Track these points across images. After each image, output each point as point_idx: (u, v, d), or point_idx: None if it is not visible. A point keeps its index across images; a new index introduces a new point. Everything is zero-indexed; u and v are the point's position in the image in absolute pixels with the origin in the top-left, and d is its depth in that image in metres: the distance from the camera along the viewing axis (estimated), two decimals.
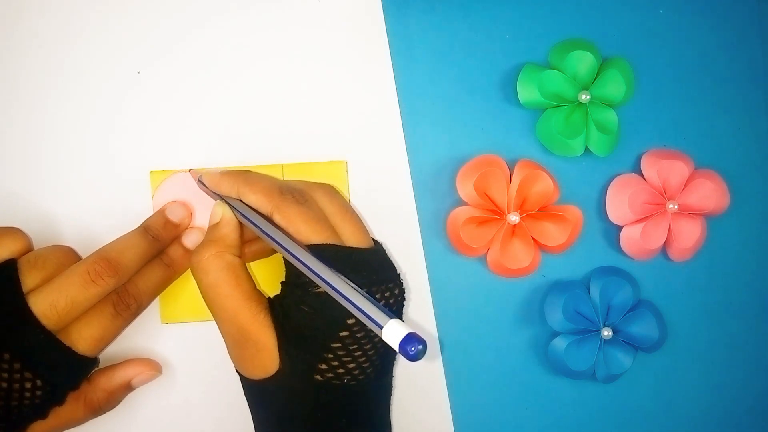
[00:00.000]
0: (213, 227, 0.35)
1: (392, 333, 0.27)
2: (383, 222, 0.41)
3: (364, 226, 0.35)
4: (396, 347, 0.26)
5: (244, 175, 0.36)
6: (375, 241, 0.36)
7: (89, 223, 0.39)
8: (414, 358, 0.26)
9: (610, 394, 0.43)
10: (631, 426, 0.43)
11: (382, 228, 0.41)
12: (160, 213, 0.38)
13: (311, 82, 0.41)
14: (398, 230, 0.41)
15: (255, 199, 0.34)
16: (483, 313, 0.42)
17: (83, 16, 0.40)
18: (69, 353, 0.33)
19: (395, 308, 0.34)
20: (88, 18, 0.40)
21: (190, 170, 0.39)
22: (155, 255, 0.37)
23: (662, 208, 0.41)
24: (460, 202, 0.41)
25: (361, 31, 0.41)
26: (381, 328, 0.27)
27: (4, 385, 0.32)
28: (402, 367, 0.40)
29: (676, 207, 0.41)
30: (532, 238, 0.40)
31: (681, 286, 0.43)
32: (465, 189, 0.40)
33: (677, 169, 0.41)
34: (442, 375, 0.41)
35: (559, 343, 0.41)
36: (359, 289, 0.30)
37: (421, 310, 0.41)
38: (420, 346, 0.26)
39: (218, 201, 0.36)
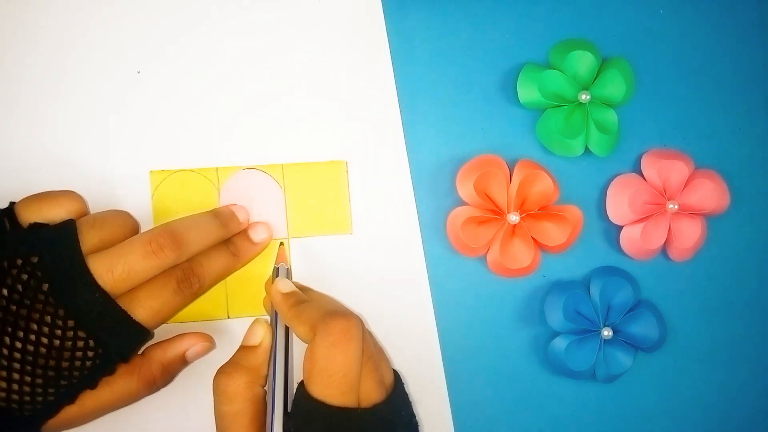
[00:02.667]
0: (251, 351, 0.34)
1: None
2: (383, 222, 0.41)
3: (378, 374, 0.34)
4: None
5: (294, 309, 0.34)
6: (396, 376, 0.35)
7: None
8: None
9: (610, 394, 0.43)
10: (631, 426, 0.43)
11: (382, 228, 0.41)
12: (228, 207, 0.38)
13: (311, 82, 0.41)
14: (398, 230, 0.41)
15: (301, 331, 0.33)
16: (483, 313, 0.42)
17: (83, 16, 0.40)
18: (125, 317, 0.33)
19: None
20: (88, 18, 0.40)
21: (280, 244, 0.40)
22: (218, 240, 0.37)
23: (662, 208, 0.41)
24: (460, 202, 0.41)
25: (361, 31, 0.41)
26: None
27: (57, 342, 0.31)
28: (402, 367, 0.40)
29: (676, 207, 0.41)
30: (532, 238, 0.40)
31: (681, 286, 0.43)
32: (465, 189, 0.40)
33: (677, 169, 0.41)
34: (442, 375, 0.41)
35: (559, 343, 0.41)
36: None
37: (421, 310, 0.41)
38: None
39: (261, 321, 0.35)
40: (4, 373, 0.31)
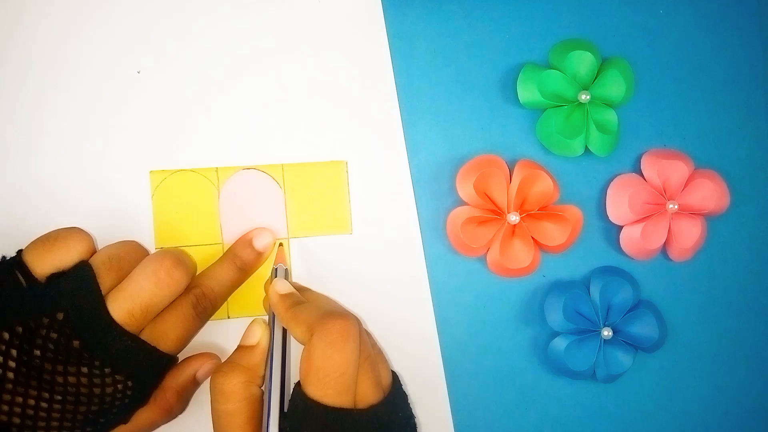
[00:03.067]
0: (248, 351, 0.34)
1: None
2: (383, 222, 0.41)
3: (375, 375, 0.33)
4: None
5: (291, 311, 0.34)
6: (395, 378, 0.35)
7: (89, 223, 0.39)
8: None
9: (610, 394, 0.43)
10: (631, 426, 0.43)
11: (382, 228, 0.41)
12: (249, 243, 0.38)
13: (311, 82, 0.41)
14: (398, 230, 0.41)
15: (298, 332, 0.33)
16: (483, 313, 0.42)
17: (83, 16, 0.40)
18: (155, 352, 0.34)
19: None
20: (88, 18, 0.40)
21: (280, 245, 0.40)
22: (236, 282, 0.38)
23: (662, 208, 0.41)
24: (460, 202, 0.41)
25: (361, 31, 0.41)
26: None
27: (97, 390, 0.32)
28: (402, 366, 0.40)
29: (676, 207, 0.41)
30: (532, 238, 0.40)
31: (681, 286, 0.43)
32: (465, 189, 0.40)
33: (677, 169, 0.41)
34: (442, 375, 0.41)
35: (559, 343, 0.41)
36: None
37: (421, 310, 0.41)
38: None
39: (259, 321, 0.35)
40: (43, 423, 0.32)
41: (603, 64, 0.42)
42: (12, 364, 0.31)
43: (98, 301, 0.32)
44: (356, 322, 0.33)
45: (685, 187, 0.41)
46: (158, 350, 0.34)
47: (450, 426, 0.41)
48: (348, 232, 0.41)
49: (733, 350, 0.44)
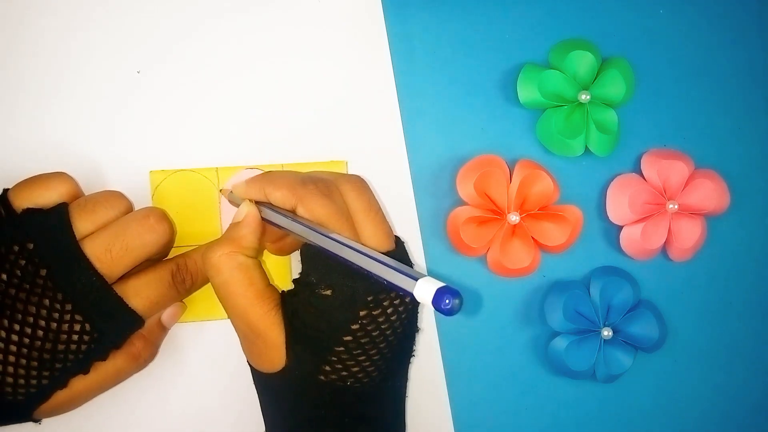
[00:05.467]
0: (233, 226, 0.35)
1: (423, 293, 0.26)
2: None
3: (387, 226, 0.35)
4: (430, 305, 0.26)
5: (268, 175, 0.35)
6: (398, 240, 0.35)
7: None
8: (450, 312, 0.25)
9: (610, 394, 0.43)
10: (631, 426, 0.43)
11: None
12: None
13: (311, 82, 0.41)
14: (398, 230, 0.41)
15: (280, 195, 0.33)
16: (483, 313, 0.42)
17: (83, 16, 0.40)
18: (121, 304, 0.33)
19: (405, 316, 0.34)
20: (88, 18, 0.40)
21: (220, 190, 0.39)
22: None
23: (662, 208, 0.41)
24: (460, 202, 0.41)
25: (361, 31, 0.41)
26: (411, 294, 0.27)
27: (54, 325, 0.32)
28: None
29: (676, 207, 0.41)
30: (532, 238, 0.40)
31: (681, 286, 0.43)
32: (465, 189, 0.40)
33: (677, 169, 0.41)
34: (442, 375, 0.41)
35: (559, 343, 0.41)
36: (382, 259, 0.29)
37: (421, 310, 0.41)
38: (455, 300, 0.25)
39: (246, 201, 0.35)
40: (0, 356, 0.32)
41: (603, 64, 0.42)
42: None
43: (68, 234, 0.33)
44: (332, 182, 0.34)
45: (685, 187, 0.41)
46: (124, 302, 0.33)
47: (450, 426, 0.41)
48: None
49: (733, 350, 0.44)
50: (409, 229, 0.41)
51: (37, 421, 0.34)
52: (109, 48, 0.40)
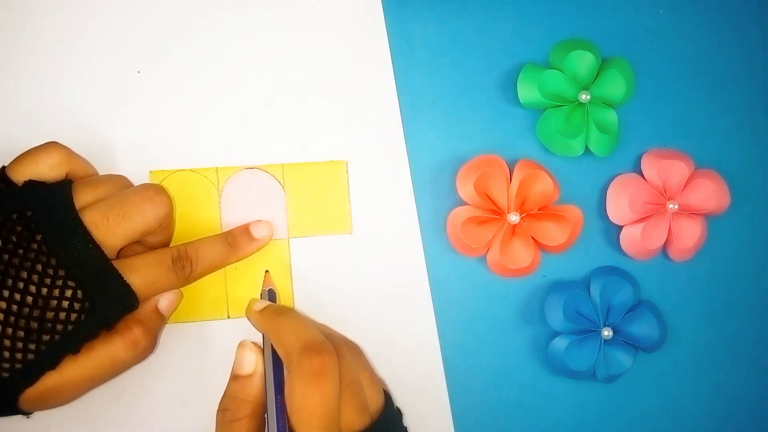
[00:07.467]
0: (248, 382, 0.34)
1: None
2: (383, 222, 0.41)
3: (362, 405, 0.33)
4: None
5: (274, 322, 0.34)
6: (387, 398, 0.35)
7: None
8: None
9: (610, 394, 0.43)
10: (631, 426, 0.43)
11: (382, 228, 0.41)
12: (246, 229, 0.38)
13: (311, 82, 0.41)
14: (398, 230, 0.41)
15: (279, 351, 0.33)
16: (483, 313, 0.42)
17: (83, 16, 0.40)
18: (117, 277, 0.33)
19: None
20: (88, 18, 0.40)
21: (266, 271, 0.39)
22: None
23: (662, 208, 0.41)
24: (460, 202, 0.41)
25: (361, 31, 0.41)
26: None
27: (44, 291, 0.31)
28: (402, 366, 0.40)
29: (676, 207, 0.41)
30: (532, 238, 0.40)
31: (681, 286, 0.43)
32: (465, 189, 0.40)
33: (677, 169, 0.41)
34: (442, 375, 0.41)
35: (559, 343, 0.41)
36: None
37: (421, 310, 0.41)
38: None
39: (250, 345, 0.34)
40: None
41: (603, 64, 0.42)
42: None
43: (68, 202, 0.33)
44: (333, 354, 0.32)
45: (685, 187, 0.41)
46: (120, 276, 0.33)
47: (450, 426, 0.41)
48: (348, 231, 0.41)
49: (733, 350, 0.44)
50: (409, 229, 0.41)
51: (26, 413, 0.33)
52: (109, 48, 0.40)
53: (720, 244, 0.44)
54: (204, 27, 0.41)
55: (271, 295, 0.37)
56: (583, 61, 0.41)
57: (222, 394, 0.35)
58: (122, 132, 0.40)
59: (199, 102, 0.40)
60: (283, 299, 0.40)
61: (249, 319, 0.36)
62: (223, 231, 0.39)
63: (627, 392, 0.43)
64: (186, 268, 0.35)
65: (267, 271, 0.39)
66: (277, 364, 0.34)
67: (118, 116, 0.40)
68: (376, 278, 0.41)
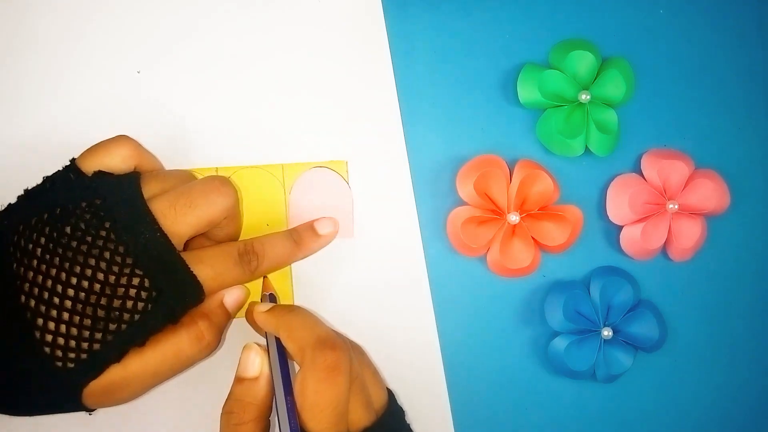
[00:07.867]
0: (253, 384, 0.34)
1: None
2: (383, 222, 0.41)
3: (368, 401, 0.33)
4: None
5: (285, 318, 0.34)
6: (390, 396, 0.35)
7: None
8: None
9: (610, 394, 0.43)
10: (631, 426, 0.43)
11: (382, 228, 0.41)
12: (311, 226, 0.39)
13: (311, 82, 0.41)
14: (398, 230, 0.41)
15: (290, 347, 0.33)
16: (483, 313, 0.42)
17: (83, 16, 0.40)
18: (183, 265, 0.32)
19: None
20: (88, 18, 0.40)
21: (264, 277, 0.39)
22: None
23: (662, 208, 0.41)
24: (460, 202, 0.41)
25: (361, 31, 0.41)
26: None
27: (112, 278, 0.31)
28: (402, 366, 0.40)
29: (676, 207, 0.41)
30: (532, 238, 0.40)
31: (681, 286, 0.43)
32: (465, 189, 0.40)
33: (677, 169, 0.41)
34: (442, 375, 0.41)
35: (559, 343, 0.41)
36: None
37: (421, 310, 0.41)
38: None
39: (255, 347, 0.34)
40: (54, 312, 0.31)
41: (603, 64, 0.42)
42: (42, 240, 0.31)
43: (137, 192, 0.33)
44: (346, 350, 0.32)
45: (685, 187, 0.41)
46: (185, 264, 0.32)
47: (450, 426, 0.41)
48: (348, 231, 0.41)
49: (733, 350, 0.44)
50: (409, 229, 0.41)
51: (89, 410, 0.33)
52: (109, 48, 0.40)
53: (720, 244, 0.44)
54: (204, 27, 0.41)
55: (272, 299, 0.37)
56: (583, 61, 0.41)
57: (223, 395, 0.35)
58: (122, 131, 0.40)
59: (199, 102, 0.40)
60: (283, 299, 0.40)
61: (252, 322, 0.36)
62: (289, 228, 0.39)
63: (627, 392, 0.43)
64: (252, 262, 0.35)
65: (265, 276, 0.39)
66: (284, 365, 0.34)
67: (118, 116, 0.40)
68: (376, 278, 0.41)
